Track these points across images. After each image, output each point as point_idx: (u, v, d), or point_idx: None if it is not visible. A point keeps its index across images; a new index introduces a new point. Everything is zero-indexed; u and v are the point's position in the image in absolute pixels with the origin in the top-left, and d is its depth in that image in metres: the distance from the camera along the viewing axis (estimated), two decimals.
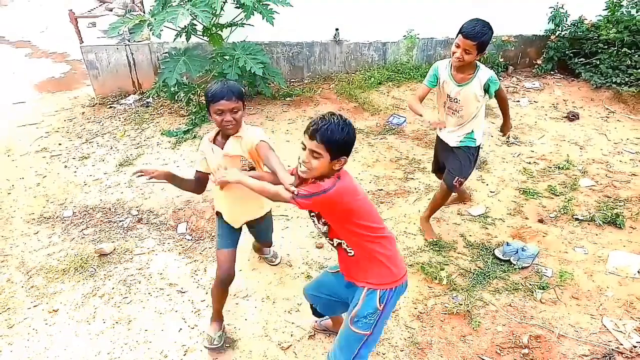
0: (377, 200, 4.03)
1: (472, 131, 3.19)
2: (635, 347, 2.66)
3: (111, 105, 5.79)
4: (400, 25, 6.18)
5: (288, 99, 5.79)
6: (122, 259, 3.44)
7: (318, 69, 6.32)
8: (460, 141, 3.24)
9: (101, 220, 3.86)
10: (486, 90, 3.07)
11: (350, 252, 2.08)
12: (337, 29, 6.09)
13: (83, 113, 5.69)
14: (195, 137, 5.02)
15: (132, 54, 5.89)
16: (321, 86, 6.09)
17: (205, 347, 2.73)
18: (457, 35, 2.91)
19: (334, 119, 1.90)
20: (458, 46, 2.90)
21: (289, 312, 3.00)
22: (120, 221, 3.84)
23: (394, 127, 5.16)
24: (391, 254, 2.08)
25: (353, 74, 6.25)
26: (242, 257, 3.44)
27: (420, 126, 5.17)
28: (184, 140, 4.96)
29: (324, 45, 6.19)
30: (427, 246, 3.46)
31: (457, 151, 3.27)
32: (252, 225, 2.87)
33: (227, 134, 2.48)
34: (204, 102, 2.51)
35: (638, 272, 3.17)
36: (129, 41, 5.83)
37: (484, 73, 3.05)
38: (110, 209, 4.00)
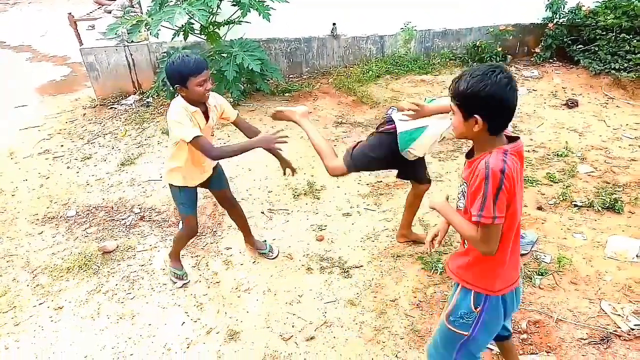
0: (377, 192, 4.05)
1: None
2: (632, 329, 2.68)
3: (112, 106, 5.85)
4: (397, 18, 6.18)
5: (287, 94, 5.81)
6: (125, 256, 3.49)
7: (316, 63, 6.34)
8: None
9: (104, 219, 3.92)
10: None
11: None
12: (334, 24, 6.10)
13: (84, 114, 5.75)
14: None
15: (131, 54, 5.93)
16: (320, 81, 6.12)
17: (176, 283, 3.17)
18: None
19: (473, 69, 1.62)
20: None
21: (290, 303, 3.04)
22: (123, 219, 3.89)
23: None
24: (505, 262, 1.80)
25: (351, 68, 6.27)
26: (243, 252, 3.48)
27: None
28: None
29: (322, 40, 6.20)
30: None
31: None
32: (208, 181, 3.01)
33: (204, 102, 2.63)
34: (173, 79, 2.49)
35: (636, 256, 3.18)
36: (127, 42, 5.87)
37: None
38: (112, 208, 4.05)
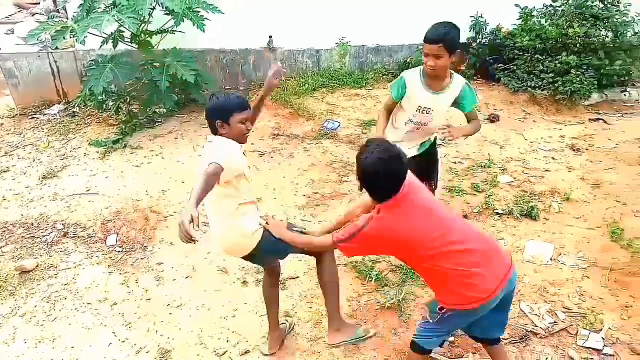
0: (313, 203, 4.10)
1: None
2: (548, 327, 2.89)
3: (33, 116, 5.50)
4: (332, 33, 6.32)
5: None
6: (46, 275, 3.28)
7: (253, 75, 6.33)
8: (422, 144, 3.21)
9: (22, 236, 3.66)
10: (458, 103, 2.98)
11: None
12: (270, 36, 6.14)
13: (1, 124, 5.36)
14: (125, 146, 4.86)
15: (55, 61, 5.62)
16: (256, 92, 6.07)
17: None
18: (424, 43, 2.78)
19: (374, 147, 2.04)
20: (427, 55, 2.78)
21: (224, 318, 2.99)
22: (44, 236, 3.66)
23: (328, 132, 5.26)
24: (466, 271, 2.08)
25: (288, 81, 6.31)
26: (176, 267, 3.38)
27: (353, 130, 5.31)
28: (113, 150, 4.80)
29: (258, 52, 6.21)
30: None
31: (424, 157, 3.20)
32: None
33: (243, 142, 2.45)
34: (215, 113, 2.36)
35: (551, 259, 3.45)
36: (51, 48, 5.56)
37: (458, 82, 2.96)
38: (32, 224, 3.80)
